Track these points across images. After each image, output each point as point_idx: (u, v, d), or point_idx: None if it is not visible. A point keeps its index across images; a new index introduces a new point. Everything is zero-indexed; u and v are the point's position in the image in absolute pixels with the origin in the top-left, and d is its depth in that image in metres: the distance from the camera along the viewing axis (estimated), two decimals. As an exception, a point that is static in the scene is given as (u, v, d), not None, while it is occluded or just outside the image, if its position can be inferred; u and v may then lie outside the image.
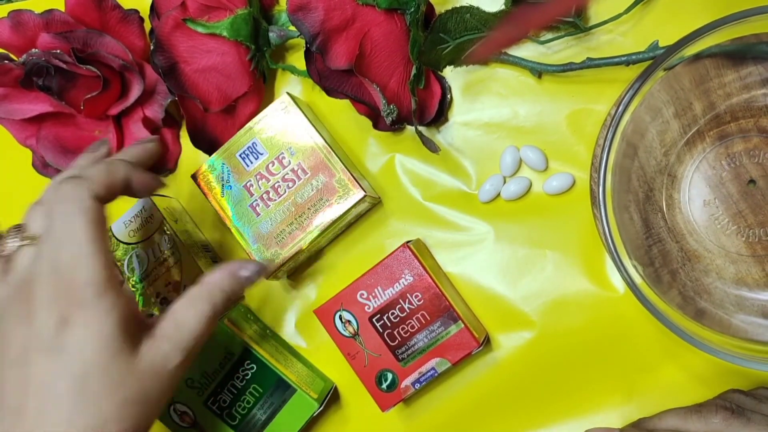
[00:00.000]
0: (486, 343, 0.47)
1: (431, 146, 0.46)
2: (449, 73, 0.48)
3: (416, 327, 0.44)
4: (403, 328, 0.44)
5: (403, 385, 0.44)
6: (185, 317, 0.38)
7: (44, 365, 0.35)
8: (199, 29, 0.46)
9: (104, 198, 0.38)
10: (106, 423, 0.35)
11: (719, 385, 0.45)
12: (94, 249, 0.36)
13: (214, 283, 0.39)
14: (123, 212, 0.48)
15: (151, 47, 0.46)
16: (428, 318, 0.44)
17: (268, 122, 0.46)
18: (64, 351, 0.35)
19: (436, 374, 0.44)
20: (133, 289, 0.47)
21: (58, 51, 0.47)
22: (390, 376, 0.44)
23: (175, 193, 0.52)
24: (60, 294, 0.35)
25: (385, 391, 0.44)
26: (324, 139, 0.46)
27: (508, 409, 0.47)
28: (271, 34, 0.48)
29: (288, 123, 0.46)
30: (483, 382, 0.48)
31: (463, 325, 0.43)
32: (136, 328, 0.36)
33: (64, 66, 0.46)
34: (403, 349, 0.44)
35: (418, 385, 0.44)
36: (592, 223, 0.46)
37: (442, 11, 0.44)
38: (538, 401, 0.47)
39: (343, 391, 0.49)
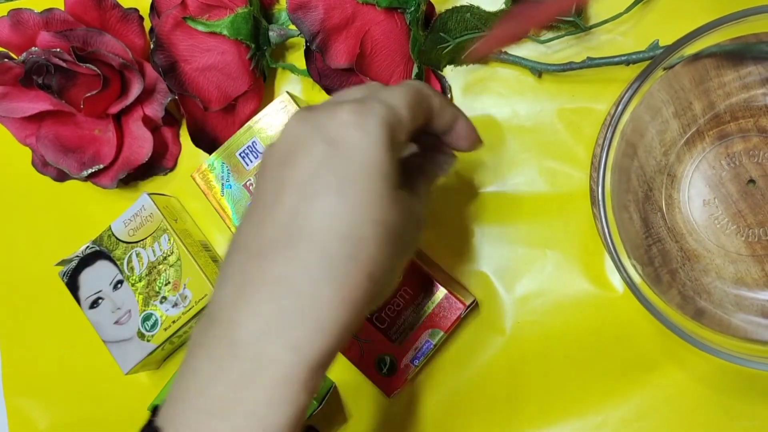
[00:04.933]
0: (474, 306, 0.47)
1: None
2: (449, 72, 0.48)
3: (401, 304, 0.44)
4: (389, 308, 0.44)
5: (402, 365, 0.44)
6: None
7: (310, 164, 0.30)
8: (200, 28, 0.46)
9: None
10: (362, 241, 0.29)
11: (719, 385, 0.45)
12: None
13: None
14: (123, 211, 0.48)
15: (151, 46, 0.46)
16: (411, 292, 0.44)
17: (267, 121, 0.46)
18: (336, 151, 0.30)
19: (431, 346, 0.44)
20: (133, 288, 0.47)
21: (58, 50, 0.47)
22: (388, 359, 0.44)
23: (175, 192, 0.52)
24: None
25: (387, 375, 0.44)
26: (324, 138, 0.46)
27: (506, 409, 0.47)
28: (271, 33, 0.48)
29: (288, 122, 0.46)
30: (482, 382, 0.48)
31: (446, 291, 0.44)
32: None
33: (64, 64, 0.46)
34: (394, 329, 0.44)
35: (417, 361, 0.44)
36: (591, 223, 0.46)
37: (443, 10, 0.44)
38: (537, 401, 0.47)
39: (342, 390, 0.49)
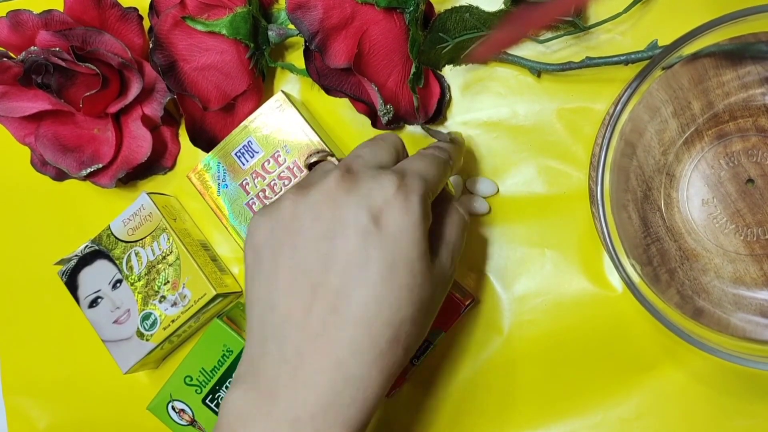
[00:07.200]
0: (473, 306, 0.47)
1: (440, 136, 0.46)
2: (448, 72, 0.48)
3: None
4: None
5: None
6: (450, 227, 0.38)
7: (356, 243, 0.32)
8: (199, 27, 0.46)
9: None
10: (403, 323, 0.33)
11: (718, 384, 0.45)
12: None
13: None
14: (122, 211, 0.48)
15: (150, 45, 0.46)
16: None
17: (263, 120, 0.46)
18: (381, 232, 0.32)
19: (430, 345, 0.44)
20: (132, 287, 0.47)
21: (57, 49, 0.47)
22: None
23: (174, 191, 0.52)
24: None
25: None
26: (319, 137, 0.46)
27: (505, 408, 0.47)
28: (270, 33, 0.48)
29: (283, 121, 0.46)
30: (480, 381, 0.48)
31: None
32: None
33: (63, 64, 0.46)
34: None
35: (416, 361, 0.44)
36: (590, 222, 0.46)
37: (442, 10, 0.44)
38: (535, 400, 0.47)
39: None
